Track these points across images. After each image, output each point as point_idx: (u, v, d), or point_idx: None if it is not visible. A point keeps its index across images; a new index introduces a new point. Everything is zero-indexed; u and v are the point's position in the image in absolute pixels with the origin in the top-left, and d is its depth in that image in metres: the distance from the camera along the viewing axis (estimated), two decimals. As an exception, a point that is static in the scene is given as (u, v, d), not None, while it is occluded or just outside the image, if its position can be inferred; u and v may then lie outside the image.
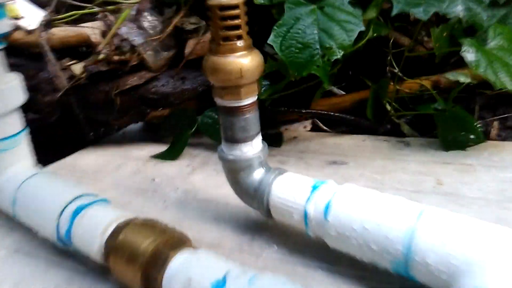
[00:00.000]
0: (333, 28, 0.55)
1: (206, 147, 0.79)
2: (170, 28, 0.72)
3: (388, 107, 0.76)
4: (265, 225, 0.53)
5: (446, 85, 0.76)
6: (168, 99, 0.77)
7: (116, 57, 0.71)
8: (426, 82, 0.76)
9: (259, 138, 0.50)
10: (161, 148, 0.80)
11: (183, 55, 0.78)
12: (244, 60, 0.44)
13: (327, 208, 0.43)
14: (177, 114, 0.78)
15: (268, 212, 0.49)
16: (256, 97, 0.48)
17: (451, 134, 0.69)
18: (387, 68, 0.79)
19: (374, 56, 0.81)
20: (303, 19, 0.57)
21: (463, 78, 0.73)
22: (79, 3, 0.75)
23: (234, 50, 0.44)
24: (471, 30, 0.72)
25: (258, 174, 0.50)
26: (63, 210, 0.48)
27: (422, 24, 0.90)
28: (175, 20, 0.72)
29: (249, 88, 0.46)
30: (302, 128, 0.86)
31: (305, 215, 0.44)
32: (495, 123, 0.74)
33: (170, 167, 0.73)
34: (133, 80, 0.75)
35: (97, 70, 0.71)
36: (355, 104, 0.82)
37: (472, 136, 0.69)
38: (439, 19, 0.75)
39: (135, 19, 0.76)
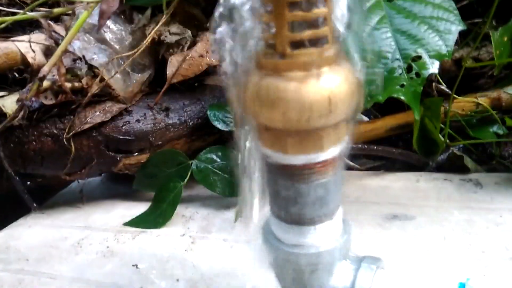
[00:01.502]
0: (418, 29, 0.36)
1: (203, 202, 0.57)
2: (147, 41, 0.50)
3: (440, 136, 0.58)
4: None
5: (509, 103, 0.60)
6: (146, 140, 0.55)
7: (67, 84, 0.48)
8: (484, 100, 0.60)
9: (340, 211, 0.30)
10: (137, 207, 0.57)
11: (164, 77, 0.56)
12: (333, 82, 0.24)
13: None
14: (160, 159, 0.56)
15: None
16: (347, 141, 0.27)
17: (533, 167, 0.53)
18: (433, 84, 0.62)
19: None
20: (366, 17, 0.38)
21: (533, 93, 0.58)
22: (7, 9, 0.51)
23: (315, 64, 0.24)
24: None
25: (343, 275, 0.29)
26: None
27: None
28: (153, 29, 0.50)
29: (338, 130, 0.26)
30: (322, 165, 0.66)
31: None
32: None
33: (157, 241, 0.50)
34: (95, 116, 0.52)
35: (40, 105, 0.47)
36: (390, 132, 0.64)
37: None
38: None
39: (93, 29, 0.53)
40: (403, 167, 0.62)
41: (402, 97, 0.36)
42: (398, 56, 0.36)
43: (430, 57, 0.35)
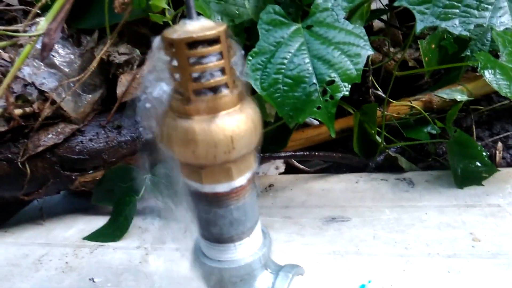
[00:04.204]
0: (331, 54, 0.40)
1: (157, 214, 0.60)
2: (94, 64, 0.52)
3: (378, 138, 0.63)
4: None
5: (440, 105, 0.65)
6: (100, 158, 0.57)
7: (18, 111, 0.50)
8: (417, 103, 0.65)
9: (258, 227, 0.33)
10: (96, 221, 0.60)
11: (114, 96, 0.59)
12: (235, 122, 0.27)
13: None
14: (115, 175, 0.58)
15: None
16: (255, 169, 0.31)
17: (459, 165, 0.58)
18: (370, 90, 0.67)
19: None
20: (287, 44, 0.41)
21: (459, 95, 0.63)
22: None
23: (217, 107, 0.27)
24: (460, 40, 0.62)
25: (262, 284, 0.33)
26: None
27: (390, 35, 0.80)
28: (101, 52, 0.53)
29: (244, 161, 0.30)
30: (274, 169, 0.70)
31: None
32: (499, 145, 0.64)
33: (114, 254, 0.53)
34: (48, 139, 0.54)
35: (-9, 132, 0.50)
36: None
37: (479, 164, 0.58)
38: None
39: (42, 55, 0.55)
40: (347, 168, 0.67)
41: (319, 119, 0.40)
42: (314, 80, 0.40)
43: (342, 80, 0.39)
